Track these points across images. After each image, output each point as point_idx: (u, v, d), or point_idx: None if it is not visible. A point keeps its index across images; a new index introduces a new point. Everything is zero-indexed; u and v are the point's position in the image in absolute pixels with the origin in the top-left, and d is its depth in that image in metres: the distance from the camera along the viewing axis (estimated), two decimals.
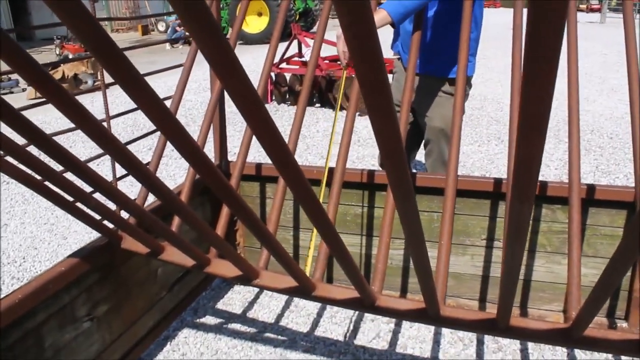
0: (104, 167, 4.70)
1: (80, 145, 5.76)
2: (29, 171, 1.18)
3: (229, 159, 2.68)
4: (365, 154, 5.30)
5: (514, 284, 1.10)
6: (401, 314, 1.44)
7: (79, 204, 1.47)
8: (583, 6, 31.85)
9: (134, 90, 0.74)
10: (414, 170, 2.84)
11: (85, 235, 3.72)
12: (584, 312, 1.14)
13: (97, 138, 0.99)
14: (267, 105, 7.41)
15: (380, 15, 2.13)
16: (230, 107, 2.97)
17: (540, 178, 4.71)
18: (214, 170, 0.92)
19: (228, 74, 0.63)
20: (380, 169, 3.05)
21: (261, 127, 0.72)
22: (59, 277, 1.69)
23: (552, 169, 4.77)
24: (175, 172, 4.91)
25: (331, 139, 2.02)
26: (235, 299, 2.75)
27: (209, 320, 2.59)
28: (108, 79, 2.18)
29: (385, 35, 2.90)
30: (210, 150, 3.80)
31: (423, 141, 2.84)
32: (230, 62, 0.62)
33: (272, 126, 0.72)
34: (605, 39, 15.40)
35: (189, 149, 0.87)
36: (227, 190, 0.99)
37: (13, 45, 0.76)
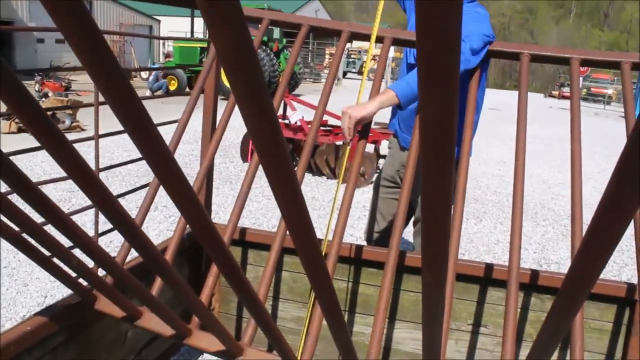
0: (83, 218, 4.54)
1: (53, 192, 5.59)
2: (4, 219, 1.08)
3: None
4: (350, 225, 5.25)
5: None
6: None
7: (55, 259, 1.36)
8: (555, 92, 33.12)
9: (143, 140, 0.67)
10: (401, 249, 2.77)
11: (48, 284, 3.53)
12: None
13: (89, 190, 0.91)
14: (246, 164, 7.36)
15: (387, 95, 2.09)
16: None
17: (522, 263, 4.66)
18: (214, 231, 0.84)
19: (266, 141, 0.57)
20: (366, 243, 2.97)
21: (290, 199, 0.65)
22: (23, 338, 1.55)
23: (531, 252, 4.76)
24: (147, 224, 4.77)
25: (331, 212, 1.94)
26: None
27: None
28: (99, 128, 2.10)
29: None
30: None
31: (412, 219, 2.79)
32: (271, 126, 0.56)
33: (299, 196, 0.66)
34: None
35: (189, 205, 0.80)
36: (224, 254, 0.91)
37: (14, 82, 0.68)
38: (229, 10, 0.44)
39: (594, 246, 0.60)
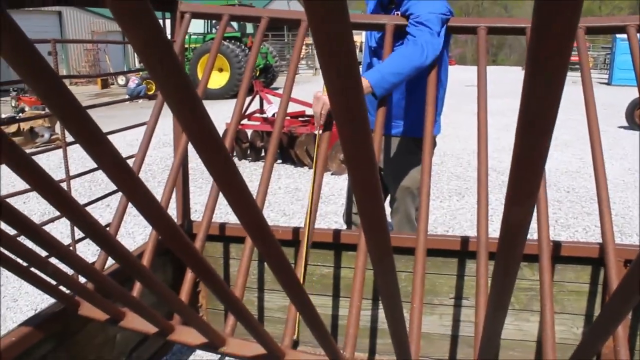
0: (59, 225, 4.54)
1: (35, 202, 5.58)
2: None
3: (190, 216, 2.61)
4: (328, 210, 5.28)
5: (493, 351, 1.06)
6: None
7: (33, 269, 1.39)
8: None
9: (95, 150, 0.70)
10: None
11: (38, 297, 3.55)
12: None
13: (55, 201, 0.94)
14: None
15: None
16: (192, 163, 2.92)
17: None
18: (180, 234, 0.87)
19: (199, 133, 0.60)
20: (346, 226, 3.03)
21: (231, 188, 0.68)
22: (9, 349, 1.58)
23: (497, 223, 4.82)
24: (134, 229, 4.78)
25: (310, 201, 1.97)
26: None
27: None
28: (68, 137, 2.11)
29: None
30: (172, 208, 3.72)
31: (388, 199, 2.84)
32: (200, 120, 0.58)
33: (244, 188, 0.68)
34: None
35: (153, 212, 0.83)
36: (193, 256, 0.94)
37: None
38: (137, 10, 0.47)
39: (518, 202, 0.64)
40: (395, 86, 2.18)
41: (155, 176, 6.64)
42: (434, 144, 2.67)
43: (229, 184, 0.68)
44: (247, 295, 2.57)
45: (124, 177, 0.75)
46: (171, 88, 0.55)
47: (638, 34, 2.09)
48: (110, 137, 2.34)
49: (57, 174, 5.79)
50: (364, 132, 0.55)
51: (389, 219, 3.18)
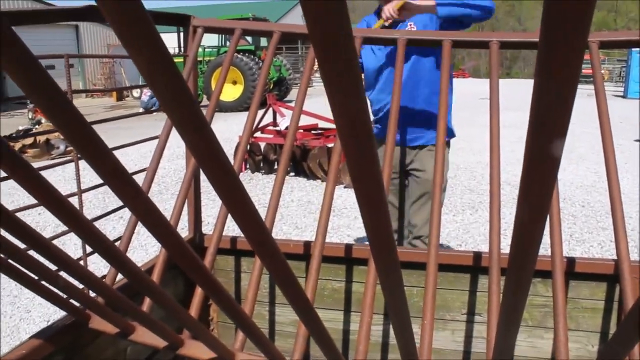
0: (73, 237, 4.57)
1: (49, 214, 5.61)
2: None
3: (203, 228, 2.61)
4: (341, 224, 5.27)
5: None
6: None
7: (44, 282, 1.39)
8: None
9: (101, 167, 0.69)
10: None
11: (50, 308, 3.56)
12: None
13: (63, 216, 0.94)
14: (240, 174, 7.39)
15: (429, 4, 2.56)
16: (205, 178, 2.94)
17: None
18: (188, 251, 0.86)
19: (205, 153, 0.59)
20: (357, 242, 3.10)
21: (236, 203, 0.68)
22: None
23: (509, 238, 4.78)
24: (147, 241, 4.80)
25: (321, 213, 1.97)
26: None
27: None
28: None
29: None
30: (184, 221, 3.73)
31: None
32: (207, 140, 0.58)
33: (250, 204, 0.68)
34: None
35: (161, 229, 0.83)
36: (202, 273, 0.93)
37: None
38: (140, 30, 0.47)
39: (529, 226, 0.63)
40: (453, 16, 2.60)
41: (168, 188, 6.68)
42: (448, 146, 3.07)
43: (235, 202, 0.67)
44: (258, 309, 2.56)
45: (131, 194, 0.75)
46: (176, 111, 0.55)
47: None
48: (126, 150, 2.35)
49: (72, 185, 5.82)
50: (367, 136, 0.54)
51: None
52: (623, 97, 21.99)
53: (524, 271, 0.72)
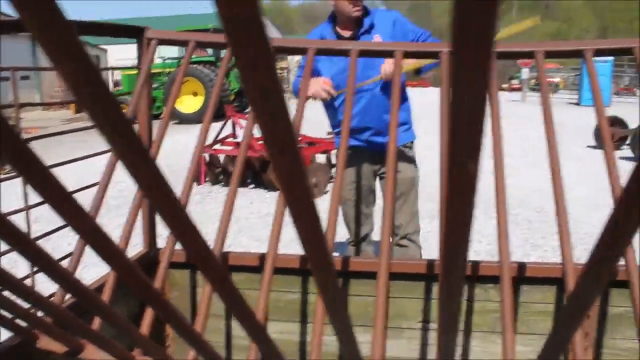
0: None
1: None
2: None
3: (159, 243, 2.59)
4: (294, 237, 5.26)
5: None
6: None
7: None
8: (505, 85, 33.85)
9: (42, 187, 0.69)
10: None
11: None
12: None
13: (4, 236, 0.92)
14: (199, 187, 7.32)
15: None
16: None
17: (473, 254, 4.79)
18: (136, 273, 0.86)
19: (138, 164, 0.60)
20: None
21: (176, 221, 0.68)
22: None
23: (485, 244, 4.87)
24: None
25: (275, 225, 1.97)
26: None
27: None
28: None
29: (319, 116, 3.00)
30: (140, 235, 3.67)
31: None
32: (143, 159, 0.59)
33: (189, 221, 0.68)
34: (526, 116, 16.31)
35: (106, 249, 0.82)
36: (151, 293, 0.93)
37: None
38: (64, 45, 0.47)
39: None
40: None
41: (128, 202, 6.57)
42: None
43: (176, 220, 0.67)
44: (215, 323, 2.54)
45: (72, 212, 0.74)
46: (108, 128, 0.55)
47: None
48: (81, 164, 2.30)
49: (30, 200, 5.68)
50: (292, 150, 0.55)
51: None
52: (577, 104, 22.64)
53: (453, 276, 0.74)
